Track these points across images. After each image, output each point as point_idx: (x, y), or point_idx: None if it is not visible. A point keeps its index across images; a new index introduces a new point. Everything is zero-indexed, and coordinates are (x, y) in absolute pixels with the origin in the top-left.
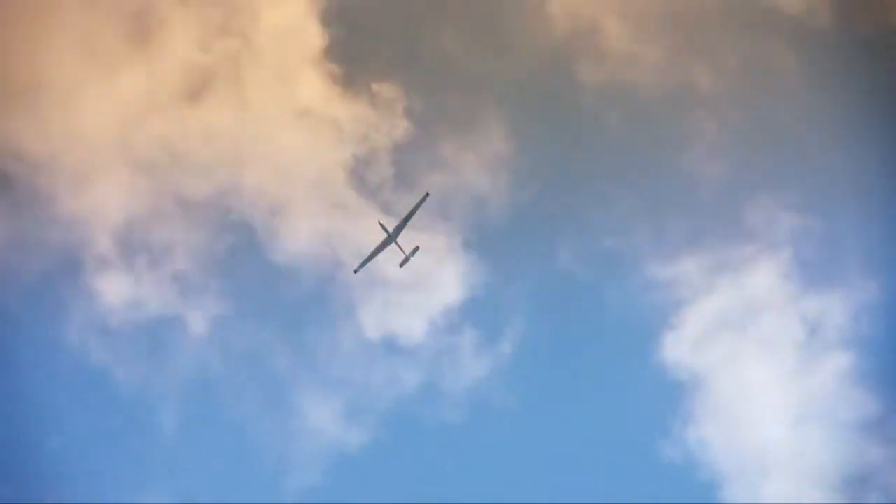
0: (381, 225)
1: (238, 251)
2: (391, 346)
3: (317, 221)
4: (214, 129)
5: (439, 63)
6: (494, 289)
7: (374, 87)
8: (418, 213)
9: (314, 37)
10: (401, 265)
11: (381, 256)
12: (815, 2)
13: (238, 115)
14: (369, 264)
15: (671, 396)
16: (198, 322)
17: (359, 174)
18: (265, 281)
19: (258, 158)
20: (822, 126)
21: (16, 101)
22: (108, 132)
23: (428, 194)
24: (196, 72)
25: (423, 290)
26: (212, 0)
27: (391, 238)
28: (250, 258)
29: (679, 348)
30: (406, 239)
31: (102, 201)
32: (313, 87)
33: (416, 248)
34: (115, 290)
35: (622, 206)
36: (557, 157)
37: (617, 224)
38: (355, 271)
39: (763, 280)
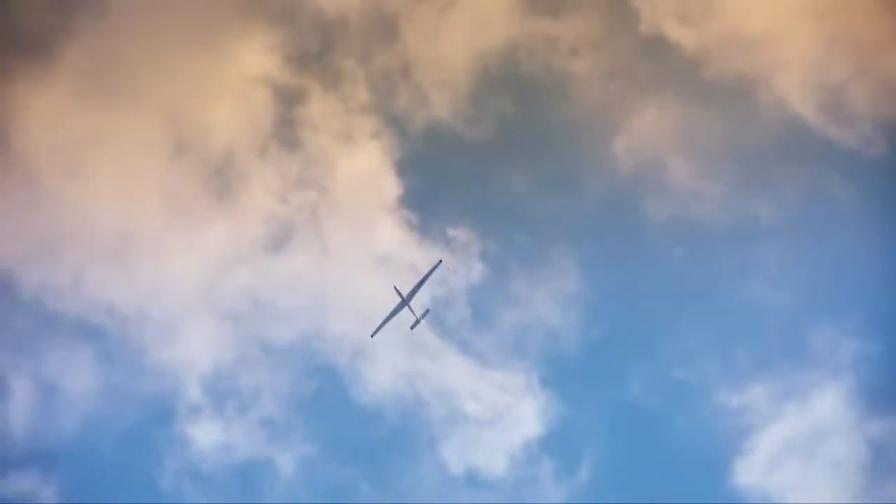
0: (396, 290)
1: (323, 393)
2: (473, 480)
3: (398, 362)
4: (296, 277)
5: (510, 204)
6: (570, 421)
7: (450, 232)
8: (494, 351)
9: (390, 185)
10: (412, 328)
11: (465, 396)
12: (870, 133)
13: (319, 263)
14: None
15: None
16: (286, 463)
17: (437, 315)
18: (350, 421)
19: (340, 303)
20: (881, 253)
21: (106, 256)
22: (194, 283)
23: (441, 261)
24: (277, 222)
25: (502, 425)
26: (289, 153)
27: (405, 302)
28: (335, 399)
29: (750, 473)
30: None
31: (191, 350)
32: (391, 234)
33: (427, 311)
34: (206, 435)
35: (690, 337)
36: (626, 290)
37: (685, 354)
38: (371, 336)
39: (828, 405)
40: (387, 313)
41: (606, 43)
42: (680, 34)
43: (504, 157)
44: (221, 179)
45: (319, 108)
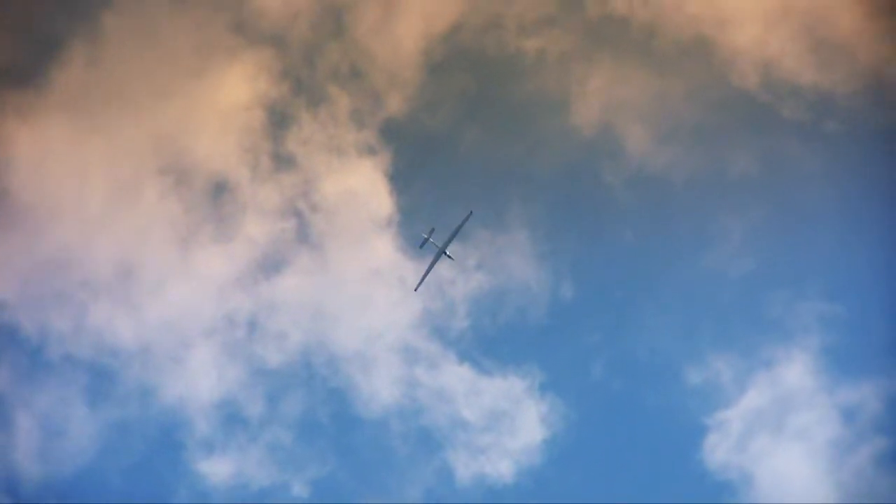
0: (433, 243)
1: (329, 411)
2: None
3: (398, 372)
4: (294, 297)
5: (473, 180)
6: (535, 405)
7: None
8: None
9: (381, 196)
10: (421, 246)
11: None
12: (821, 104)
13: (317, 281)
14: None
15: (719, 496)
16: (300, 487)
17: (434, 325)
18: (357, 435)
19: (339, 319)
20: (838, 218)
21: (105, 291)
22: (196, 313)
23: (472, 212)
24: (274, 245)
25: (501, 429)
26: (283, 174)
27: (442, 251)
28: (340, 416)
29: (722, 450)
30: None
31: (196, 382)
32: (385, 249)
33: (433, 230)
34: (217, 467)
35: (650, 311)
36: (587, 262)
37: (648, 334)
38: (415, 289)
39: (795, 374)
40: (384, 322)
41: (556, 20)
42: (627, 8)
43: (466, 141)
44: (217, 205)
45: (308, 126)
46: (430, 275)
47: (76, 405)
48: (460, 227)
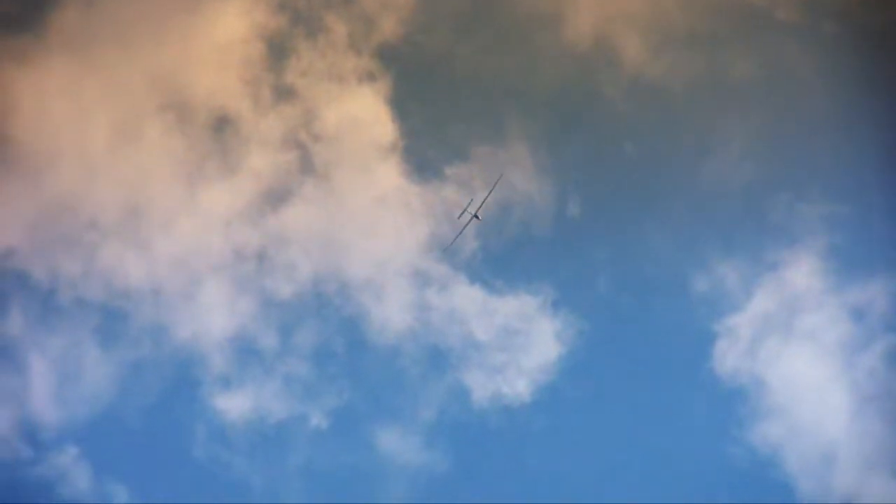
0: (469, 212)
1: (342, 340)
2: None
3: (410, 297)
4: (302, 228)
5: (472, 96)
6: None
7: (448, 170)
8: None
9: (384, 123)
10: (459, 217)
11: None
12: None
13: (323, 211)
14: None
15: (731, 402)
16: (319, 418)
17: (443, 248)
18: (372, 362)
19: (347, 247)
20: (838, 121)
21: (113, 232)
22: (205, 249)
23: (502, 175)
24: (279, 176)
25: (515, 347)
26: (285, 105)
27: (475, 216)
28: (355, 344)
29: (732, 356)
30: None
31: (209, 318)
32: (390, 174)
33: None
34: (234, 402)
35: (653, 222)
36: (590, 172)
37: (653, 241)
38: (444, 250)
39: (802, 275)
40: (392, 248)
41: None
42: None
43: (463, 60)
44: (221, 139)
45: (306, 56)
46: (435, 196)
47: (90, 348)
48: (491, 191)
